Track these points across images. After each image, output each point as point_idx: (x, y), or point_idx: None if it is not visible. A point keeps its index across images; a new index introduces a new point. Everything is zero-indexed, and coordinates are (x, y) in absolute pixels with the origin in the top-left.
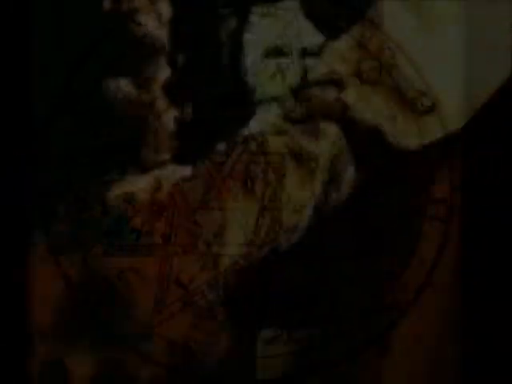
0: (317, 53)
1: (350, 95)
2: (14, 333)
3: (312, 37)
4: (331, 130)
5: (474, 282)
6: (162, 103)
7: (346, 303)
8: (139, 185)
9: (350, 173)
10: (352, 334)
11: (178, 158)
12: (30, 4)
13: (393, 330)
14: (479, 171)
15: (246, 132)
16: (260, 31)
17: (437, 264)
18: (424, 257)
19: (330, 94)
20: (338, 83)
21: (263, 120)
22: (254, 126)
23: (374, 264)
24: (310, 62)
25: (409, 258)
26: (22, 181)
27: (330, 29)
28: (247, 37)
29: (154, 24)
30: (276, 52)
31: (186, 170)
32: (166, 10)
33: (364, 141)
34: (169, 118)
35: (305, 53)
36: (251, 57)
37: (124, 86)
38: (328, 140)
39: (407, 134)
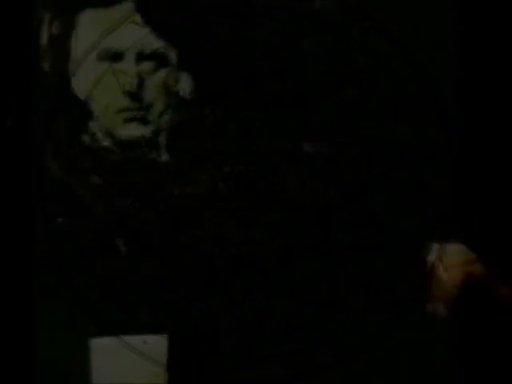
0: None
1: None
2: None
3: (149, 42)
4: None
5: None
6: None
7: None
8: None
9: None
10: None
11: None
12: None
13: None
14: None
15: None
16: (92, 36)
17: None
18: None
19: None
20: None
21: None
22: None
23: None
24: (146, 66)
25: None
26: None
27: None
28: (76, 41)
29: None
30: (109, 56)
31: None
32: None
33: None
34: None
35: (141, 57)
36: (81, 61)
37: None
38: None
39: None
